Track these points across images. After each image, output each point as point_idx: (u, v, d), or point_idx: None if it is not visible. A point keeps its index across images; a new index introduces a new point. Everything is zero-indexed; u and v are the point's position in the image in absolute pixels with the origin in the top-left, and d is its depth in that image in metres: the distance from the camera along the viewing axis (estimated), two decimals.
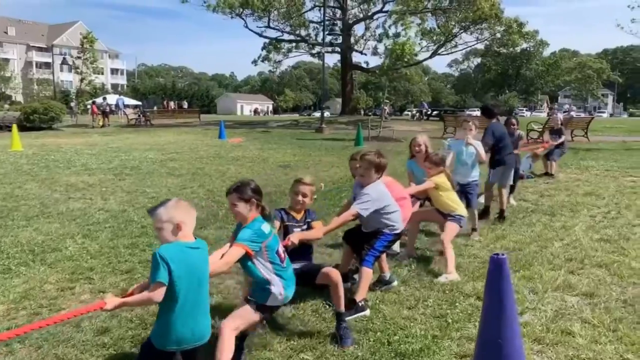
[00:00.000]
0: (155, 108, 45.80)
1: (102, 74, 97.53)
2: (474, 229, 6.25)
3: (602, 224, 6.90)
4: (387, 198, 4.23)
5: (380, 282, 4.57)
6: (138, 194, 8.88)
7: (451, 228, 5.21)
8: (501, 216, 7.08)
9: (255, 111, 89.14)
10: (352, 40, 36.42)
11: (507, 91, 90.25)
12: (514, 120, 8.75)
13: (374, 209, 4.08)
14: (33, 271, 5.00)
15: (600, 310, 4.03)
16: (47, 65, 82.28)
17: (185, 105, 55.07)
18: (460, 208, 5.35)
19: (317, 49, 35.39)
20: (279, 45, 36.57)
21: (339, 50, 35.25)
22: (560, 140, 10.94)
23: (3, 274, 4.90)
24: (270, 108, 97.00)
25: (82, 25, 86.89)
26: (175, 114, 34.88)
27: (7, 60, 79.84)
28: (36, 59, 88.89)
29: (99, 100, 33.68)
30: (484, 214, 7.14)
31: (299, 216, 4.03)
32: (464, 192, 6.26)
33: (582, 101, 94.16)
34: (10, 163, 12.49)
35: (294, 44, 37.09)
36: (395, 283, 4.61)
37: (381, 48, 33.72)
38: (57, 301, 4.30)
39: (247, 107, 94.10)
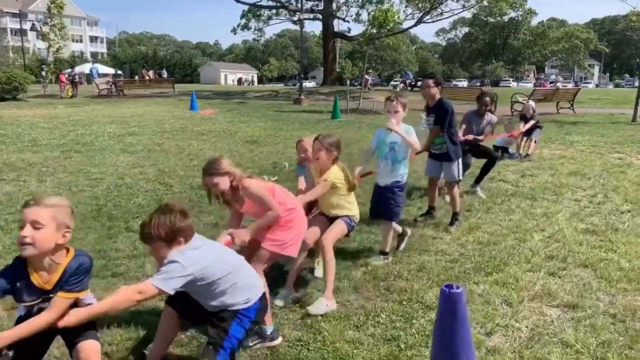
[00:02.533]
0: (136, 78, 44.26)
1: (81, 41, 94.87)
2: (382, 252, 4.58)
3: (587, 210, 6.22)
4: (220, 263, 2.57)
5: (257, 336, 3.16)
6: (80, 175, 7.99)
7: (338, 227, 3.91)
8: (453, 221, 5.61)
9: (239, 81, 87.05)
10: (334, 6, 34.97)
11: (494, 61, 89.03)
12: (487, 99, 7.30)
13: (189, 282, 2.44)
14: None
15: (585, 329, 3.33)
16: (23, 32, 79.22)
17: (165, 74, 53.15)
18: (353, 208, 4.04)
19: (298, 15, 33.92)
20: (258, 13, 35.04)
21: (320, 17, 33.86)
22: (527, 126, 9.97)
23: None
24: (255, 78, 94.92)
25: None
26: (150, 84, 33.32)
27: None
28: (10, 26, 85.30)
29: (69, 70, 32.09)
30: (428, 214, 5.89)
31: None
32: (381, 199, 4.56)
33: (569, 72, 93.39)
34: None
35: (274, 11, 35.58)
36: (278, 341, 3.20)
37: (364, 15, 32.30)
38: None
39: (230, 76, 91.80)
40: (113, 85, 28.87)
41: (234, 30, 36.14)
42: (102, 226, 5.55)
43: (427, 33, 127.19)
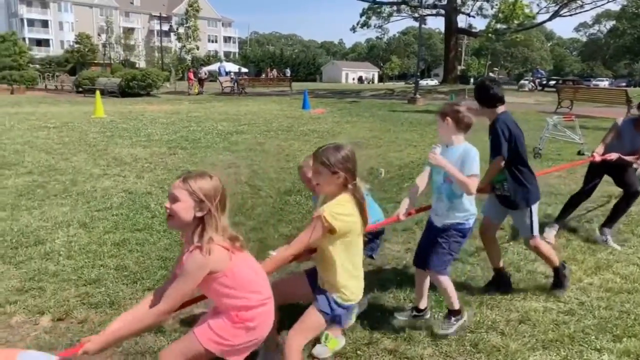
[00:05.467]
0: (263, 76, 46.13)
1: (216, 41, 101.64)
2: (416, 309, 3.46)
3: None
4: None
5: None
6: (177, 173, 7.99)
7: (308, 320, 2.57)
8: (557, 282, 3.90)
9: (360, 79, 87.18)
10: (459, 1, 33.00)
11: None
12: None
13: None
14: None
15: None
16: (166, 34, 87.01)
17: (288, 73, 54.80)
18: (351, 284, 2.55)
19: (419, 11, 32.66)
20: (379, 10, 34.34)
21: (443, 12, 32.18)
22: None
23: None
24: (376, 76, 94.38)
25: None
26: (269, 82, 34.35)
27: (132, 30, 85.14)
28: (157, 28, 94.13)
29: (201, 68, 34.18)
30: (496, 283, 3.95)
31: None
32: (430, 241, 3.27)
33: None
34: (81, 131, 12.40)
35: (394, 8, 34.61)
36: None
37: (490, 9, 29.99)
38: None
39: (351, 74, 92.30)
40: (235, 84, 30.11)
41: (353, 29, 35.87)
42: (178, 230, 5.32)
43: (564, 28, 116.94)
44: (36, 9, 78.28)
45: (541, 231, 4.77)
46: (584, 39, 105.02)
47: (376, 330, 3.32)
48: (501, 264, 3.96)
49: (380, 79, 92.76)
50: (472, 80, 34.19)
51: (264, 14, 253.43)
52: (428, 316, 3.45)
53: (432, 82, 58.60)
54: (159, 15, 65.89)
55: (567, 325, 3.40)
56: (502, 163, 3.57)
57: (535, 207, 3.75)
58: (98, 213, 5.87)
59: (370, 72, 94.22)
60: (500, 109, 3.63)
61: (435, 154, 3.08)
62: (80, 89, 27.95)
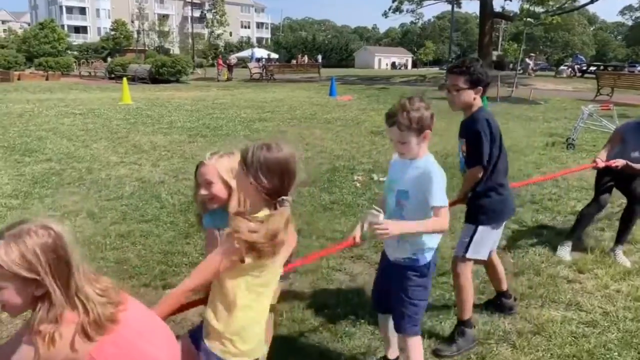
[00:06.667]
0: (293, 62, 45.90)
1: (248, 27, 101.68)
2: None
3: None
4: None
5: None
6: (192, 162, 7.87)
7: None
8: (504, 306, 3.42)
9: (393, 65, 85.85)
10: None
11: None
12: None
13: None
14: None
15: None
16: (200, 20, 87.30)
17: (320, 59, 54.34)
18: (249, 334, 1.85)
19: None
20: None
21: None
22: None
23: None
24: (409, 62, 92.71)
25: None
26: (297, 69, 34.10)
27: (166, 16, 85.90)
28: (190, 14, 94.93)
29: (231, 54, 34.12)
30: (496, 305, 3.44)
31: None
32: (389, 283, 2.52)
33: None
34: (106, 118, 12.47)
35: None
36: None
37: None
38: None
39: (384, 60, 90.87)
40: (264, 70, 29.97)
41: (385, 14, 35.06)
42: (185, 222, 5.21)
43: (608, 11, 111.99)
44: None
45: (550, 250, 4.40)
46: (630, 23, 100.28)
47: (374, 338, 3.09)
48: (504, 287, 3.40)
49: (414, 65, 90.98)
50: (511, 65, 32.88)
51: (297, 0, 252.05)
52: None
53: None
54: (194, 1, 66.19)
55: (587, 338, 3.09)
56: (481, 174, 2.89)
57: (484, 230, 2.96)
58: (108, 203, 5.80)
59: (403, 58, 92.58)
60: (478, 102, 2.88)
61: (384, 229, 2.09)
62: (112, 76, 28.36)
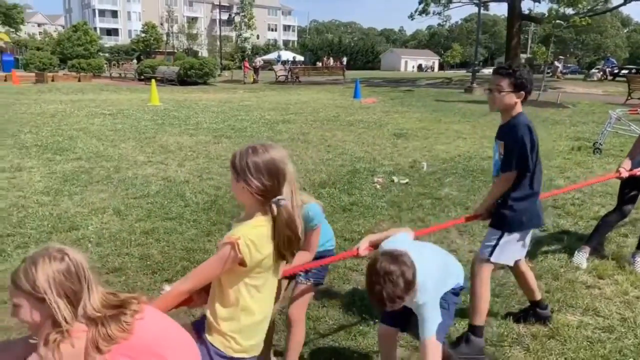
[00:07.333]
0: (318, 64, 46.12)
1: (275, 30, 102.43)
2: None
3: None
4: None
5: None
6: (217, 162, 8.10)
7: None
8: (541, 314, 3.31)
9: (420, 67, 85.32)
10: None
11: None
12: None
13: None
14: (20, 259, 4.35)
15: None
16: (229, 23, 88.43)
17: (345, 61, 54.42)
18: (248, 332, 1.90)
19: None
20: None
21: None
22: None
23: None
24: (436, 64, 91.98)
25: None
26: (322, 71, 34.24)
27: (195, 19, 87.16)
28: (219, 17, 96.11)
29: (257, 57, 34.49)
30: (534, 314, 3.34)
31: None
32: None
33: None
34: (134, 119, 12.79)
35: None
36: None
37: None
38: None
39: (411, 62, 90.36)
40: (289, 72, 30.19)
41: (411, 16, 34.86)
42: (207, 220, 5.35)
43: None
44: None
45: (569, 256, 4.34)
46: None
47: None
48: (538, 297, 3.29)
49: (441, 67, 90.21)
50: (542, 68, 32.29)
51: (324, 2, 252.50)
52: None
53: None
54: (222, 4, 67.03)
55: (603, 344, 3.07)
56: (512, 180, 2.88)
57: (512, 236, 2.95)
58: (134, 200, 5.98)
59: (430, 60, 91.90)
60: (519, 107, 2.88)
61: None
62: (142, 77, 28.98)
